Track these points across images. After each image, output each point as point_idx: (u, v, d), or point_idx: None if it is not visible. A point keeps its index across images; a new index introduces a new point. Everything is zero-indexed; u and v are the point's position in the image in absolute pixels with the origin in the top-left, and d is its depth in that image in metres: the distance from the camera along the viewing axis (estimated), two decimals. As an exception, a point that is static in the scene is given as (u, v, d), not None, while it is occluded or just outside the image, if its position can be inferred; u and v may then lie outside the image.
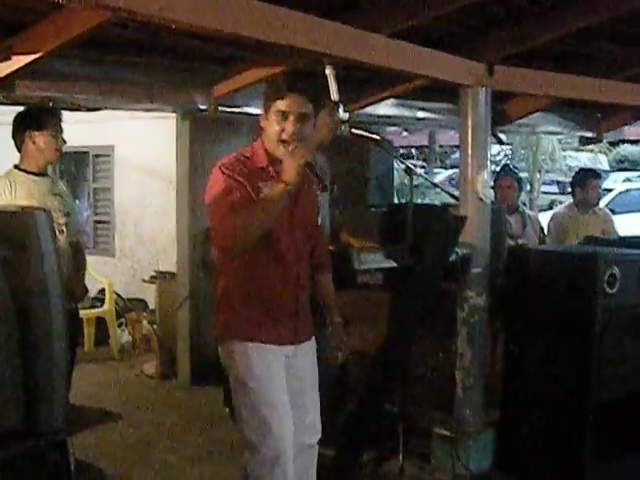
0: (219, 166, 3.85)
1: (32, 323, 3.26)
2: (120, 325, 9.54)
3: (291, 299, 3.97)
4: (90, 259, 9.62)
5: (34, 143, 5.14)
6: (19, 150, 5.23)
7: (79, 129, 9.77)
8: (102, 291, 9.44)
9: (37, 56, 4.66)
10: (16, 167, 5.19)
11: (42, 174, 5.28)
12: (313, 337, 4.16)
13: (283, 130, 3.80)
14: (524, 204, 10.88)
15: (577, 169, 9.87)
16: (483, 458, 5.55)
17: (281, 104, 3.79)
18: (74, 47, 4.79)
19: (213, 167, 3.89)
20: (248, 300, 3.91)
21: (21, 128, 5.19)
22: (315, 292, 4.26)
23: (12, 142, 5.26)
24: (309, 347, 4.13)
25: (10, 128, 5.29)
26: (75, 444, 4.26)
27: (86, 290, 5.57)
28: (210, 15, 3.82)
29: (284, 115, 3.79)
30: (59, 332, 3.32)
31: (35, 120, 5.17)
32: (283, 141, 3.81)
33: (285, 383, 3.94)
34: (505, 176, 7.61)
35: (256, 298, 3.91)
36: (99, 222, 11.19)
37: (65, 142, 5.27)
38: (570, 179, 8.67)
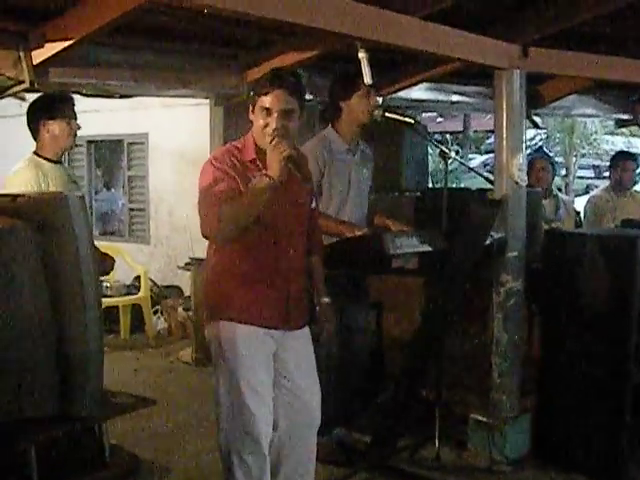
0: (210, 159, 3.98)
1: (66, 307, 3.27)
2: (156, 312, 9.58)
3: (282, 284, 4.04)
4: (125, 247, 9.74)
5: (48, 132, 5.08)
6: (35, 139, 5.17)
7: (113, 117, 9.87)
8: (137, 278, 9.47)
9: (70, 43, 4.66)
10: (37, 154, 5.13)
11: (59, 161, 5.24)
12: (307, 326, 4.22)
13: (267, 125, 3.90)
14: (559, 189, 10.80)
15: (612, 153, 9.78)
16: (520, 443, 5.52)
17: (265, 100, 3.89)
18: (107, 34, 4.80)
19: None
20: (238, 283, 3.99)
21: (35, 118, 5.12)
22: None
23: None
24: (302, 333, 4.19)
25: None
26: (110, 430, 4.29)
27: (112, 260, 5.50)
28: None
29: (268, 111, 3.89)
30: (93, 317, 3.33)
31: (48, 109, 5.11)
32: (266, 134, 3.90)
33: (270, 367, 4.04)
34: (539, 159, 7.57)
35: (247, 281, 3.99)
36: (134, 210, 11.24)
37: (79, 127, 5.20)
38: (605, 163, 8.61)
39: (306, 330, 4.21)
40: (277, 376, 4.08)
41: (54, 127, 5.06)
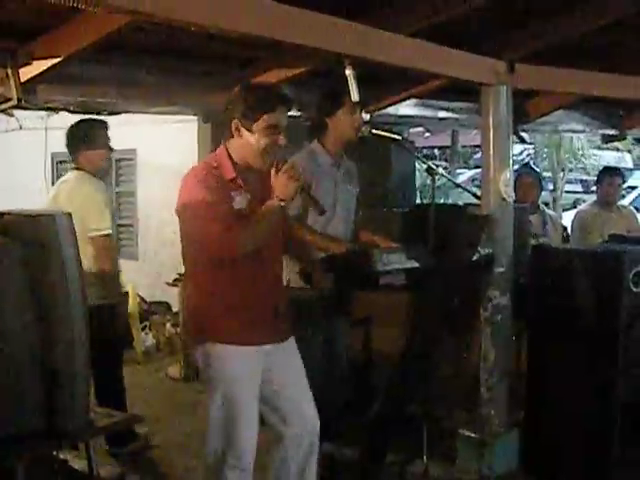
0: (194, 177, 3.90)
1: (52, 324, 3.27)
2: (144, 328, 9.54)
3: (270, 303, 4.04)
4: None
5: (87, 158, 5.54)
6: (73, 161, 5.60)
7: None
8: (125, 294, 9.42)
9: (57, 60, 4.68)
10: (82, 170, 5.54)
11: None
12: (292, 336, 4.20)
13: (273, 143, 3.85)
14: (546, 204, 10.81)
15: (600, 167, 9.83)
16: (508, 458, 5.52)
17: (272, 118, 3.83)
18: (94, 51, 4.81)
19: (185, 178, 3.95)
20: (227, 306, 3.95)
21: (74, 146, 5.55)
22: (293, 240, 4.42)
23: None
24: (289, 344, 4.18)
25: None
26: (98, 447, 4.28)
27: None
28: (229, 17, 3.82)
29: (275, 129, 3.84)
30: (80, 334, 3.33)
31: (87, 139, 5.52)
32: (266, 152, 3.86)
33: (257, 384, 4.01)
34: (526, 174, 7.58)
35: (235, 304, 3.95)
36: (122, 225, 11.22)
37: (113, 150, 5.74)
38: (593, 178, 8.66)
39: (292, 340, 4.20)
40: (271, 388, 4.08)
41: (93, 154, 5.55)
